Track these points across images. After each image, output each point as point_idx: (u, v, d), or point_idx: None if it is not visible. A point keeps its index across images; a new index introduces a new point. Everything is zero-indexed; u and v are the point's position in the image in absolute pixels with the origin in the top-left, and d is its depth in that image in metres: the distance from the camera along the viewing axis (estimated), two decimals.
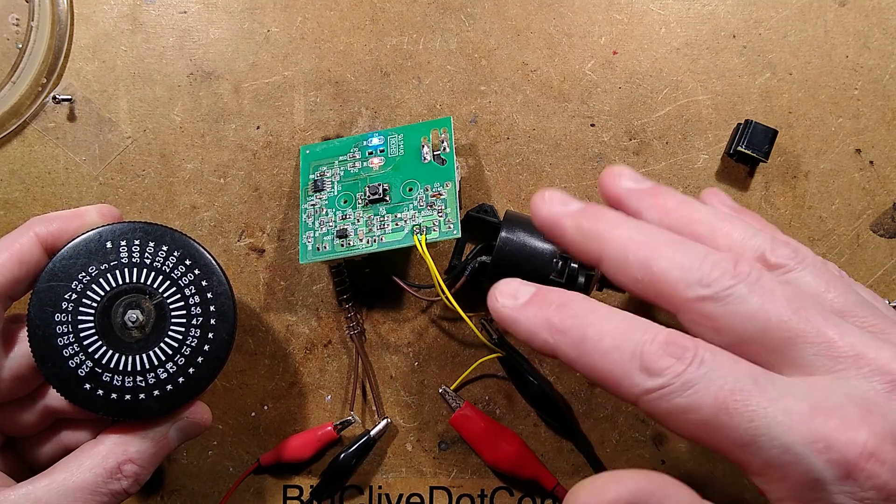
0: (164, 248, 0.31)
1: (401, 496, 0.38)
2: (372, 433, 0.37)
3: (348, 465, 0.36)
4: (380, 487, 0.38)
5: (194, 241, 0.32)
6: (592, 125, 0.38)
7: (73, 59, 0.38)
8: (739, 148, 0.36)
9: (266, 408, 0.38)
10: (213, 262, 0.32)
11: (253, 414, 0.38)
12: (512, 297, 0.25)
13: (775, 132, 0.36)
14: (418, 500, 0.38)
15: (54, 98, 0.37)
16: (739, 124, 0.37)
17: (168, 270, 0.31)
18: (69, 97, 0.37)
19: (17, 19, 0.38)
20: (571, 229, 0.26)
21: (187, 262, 0.31)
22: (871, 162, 0.38)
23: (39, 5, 0.37)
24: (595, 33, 0.38)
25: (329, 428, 0.37)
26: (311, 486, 0.37)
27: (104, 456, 0.30)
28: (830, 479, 0.20)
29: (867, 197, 0.38)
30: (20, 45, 0.37)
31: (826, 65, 0.38)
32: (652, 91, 0.38)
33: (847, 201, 0.38)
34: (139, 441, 0.30)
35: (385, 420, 0.37)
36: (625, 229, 0.24)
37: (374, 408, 0.38)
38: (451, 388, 0.37)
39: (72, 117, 0.38)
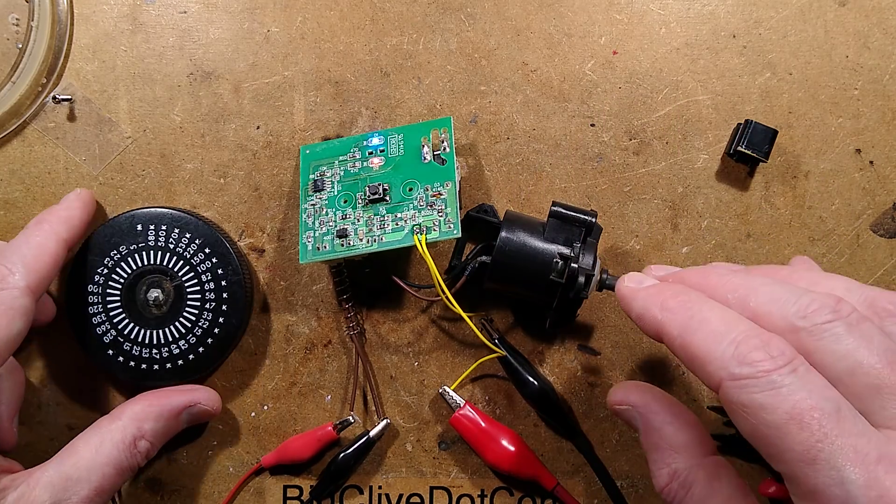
0: (188, 236, 0.35)
1: (401, 496, 0.38)
2: (371, 433, 0.37)
3: (348, 465, 0.37)
4: (380, 487, 0.38)
5: (219, 230, 0.36)
6: (592, 125, 0.38)
7: (73, 59, 0.38)
8: (739, 148, 0.36)
9: (266, 408, 0.38)
10: (232, 251, 0.35)
11: (253, 414, 0.38)
12: (636, 282, 0.28)
13: (775, 132, 0.36)
14: (418, 500, 0.38)
15: (54, 98, 0.37)
16: (739, 124, 0.37)
17: (189, 256, 0.35)
18: (69, 97, 0.37)
19: (17, 19, 0.38)
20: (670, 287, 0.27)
21: (207, 251, 0.35)
22: (871, 162, 0.38)
23: (39, 5, 0.37)
24: (595, 33, 0.38)
25: (329, 428, 0.37)
26: (311, 486, 0.37)
27: (123, 431, 0.31)
28: None
29: (867, 197, 0.38)
30: (20, 45, 0.37)
31: (826, 65, 0.38)
32: (652, 91, 0.38)
33: (847, 201, 0.38)
34: (153, 421, 0.32)
35: (385, 420, 0.37)
36: (726, 277, 0.26)
37: (374, 408, 0.38)
38: (451, 388, 0.37)
39: (72, 117, 0.38)
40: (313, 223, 0.35)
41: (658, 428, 0.27)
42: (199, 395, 0.34)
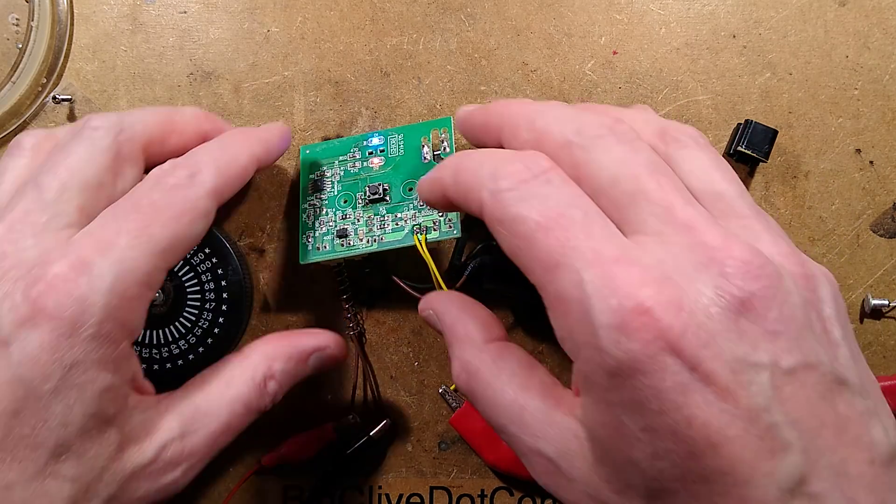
0: None
1: (401, 496, 0.38)
2: (372, 433, 0.37)
3: (348, 465, 0.37)
4: (380, 487, 0.38)
5: (219, 230, 0.35)
6: None
7: (73, 59, 0.38)
8: (739, 148, 0.36)
9: None
10: (232, 251, 0.35)
11: None
12: None
13: (775, 132, 0.36)
14: (418, 500, 0.38)
15: (54, 98, 0.37)
16: (739, 124, 0.37)
17: (189, 256, 0.34)
18: (69, 97, 0.37)
19: (17, 19, 0.38)
20: (482, 109, 0.28)
21: (207, 251, 0.35)
22: (871, 162, 0.38)
23: (39, 5, 0.37)
24: (595, 33, 0.38)
25: (329, 428, 0.37)
26: (311, 486, 0.37)
27: (254, 369, 0.29)
28: (602, 324, 0.20)
29: (867, 197, 0.38)
30: (20, 45, 0.37)
31: (826, 65, 0.38)
32: (652, 91, 0.38)
33: (847, 201, 0.38)
34: (283, 361, 0.30)
35: (385, 420, 0.37)
36: (526, 104, 0.27)
37: (374, 408, 0.38)
38: (452, 388, 0.37)
39: (72, 117, 0.38)
40: (313, 223, 0.35)
41: (450, 325, 0.28)
42: (328, 339, 0.32)
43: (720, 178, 0.25)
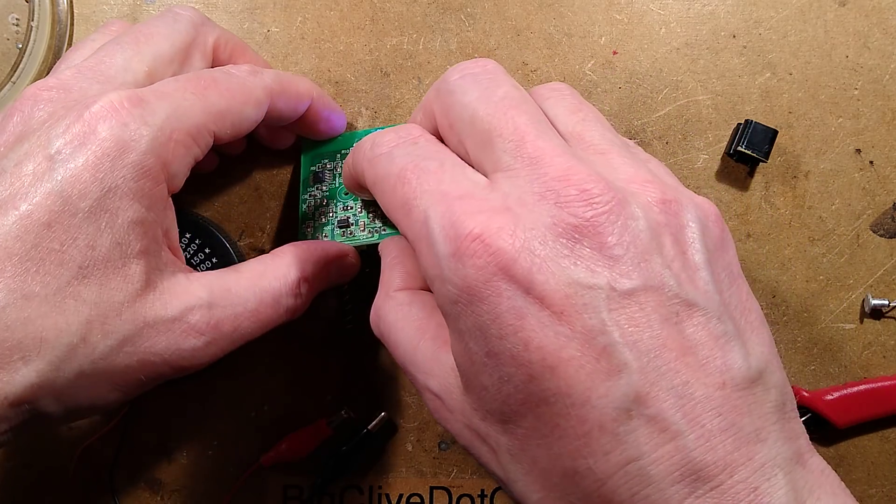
0: (188, 236, 0.35)
1: (401, 496, 0.38)
2: (369, 427, 0.37)
3: (347, 461, 0.36)
4: (380, 487, 0.38)
5: (219, 230, 0.35)
6: None
7: None
8: (739, 148, 0.36)
9: (266, 408, 0.38)
10: (232, 252, 0.35)
11: (253, 414, 0.38)
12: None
13: (775, 132, 0.36)
14: (418, 500, 0.38)
15: None
16: (739, 124, 0.37)
17: (189, 256, 0.34)
18: None
19: (17, 19, 0.38)
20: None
21: (207, 251, 0.35)
22: (871, 162, 0.38)
23: (39, 5, 0.37)
24: (595, 33, 0.38)
25: (326, 425, 0.37)
26: (311, 485, 0.37)
27: (287, 267, 0.30)
28: (442, 254, 0.22)
29: (867, 197, 0.38)
30: (20, 45, 0.37)
31: (826, 65, 0.38)
32: (652, 91, 0.38)
33: (847, 201, 0.38)
34: (314, 264, 0.31)
35: (382, 414, 0.37)
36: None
37: (373, 407, 0.38)
38: None
39: None
40: (314, 213, 0.35)
41: (382, 271, 0.30)
42: (348, 248, 0.34)
43: (581, 118, 0.26)
